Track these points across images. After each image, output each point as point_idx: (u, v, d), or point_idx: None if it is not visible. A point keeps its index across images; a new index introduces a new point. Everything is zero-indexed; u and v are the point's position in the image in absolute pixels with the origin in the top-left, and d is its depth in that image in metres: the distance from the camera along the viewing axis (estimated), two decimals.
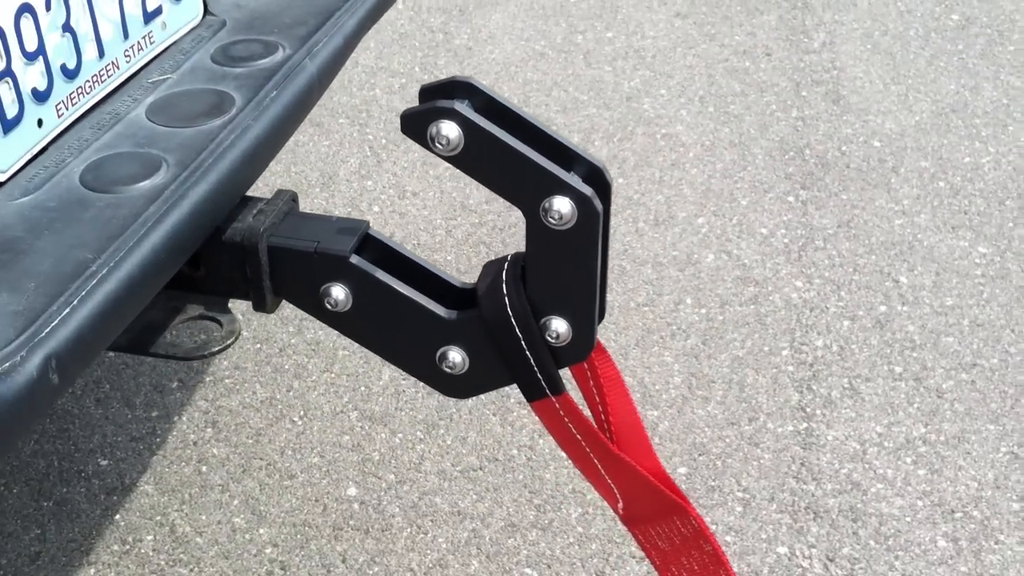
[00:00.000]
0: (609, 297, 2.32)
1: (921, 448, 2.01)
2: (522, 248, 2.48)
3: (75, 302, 1.00)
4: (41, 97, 1.21)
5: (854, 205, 2.66)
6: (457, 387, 1.26)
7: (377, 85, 3.16)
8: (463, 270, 2.46)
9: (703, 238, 2.55)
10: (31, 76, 1.19)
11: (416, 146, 2.83)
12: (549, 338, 1.19)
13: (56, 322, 0.98)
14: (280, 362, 2.22)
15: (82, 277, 1.03)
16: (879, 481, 1.94)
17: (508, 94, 3.09)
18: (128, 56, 1.34)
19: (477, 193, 2.68)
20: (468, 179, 2.67)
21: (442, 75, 3.22)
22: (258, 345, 2.26)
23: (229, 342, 1.27)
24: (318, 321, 2.39)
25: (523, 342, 1.19)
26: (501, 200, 2.61)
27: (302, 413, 2.10)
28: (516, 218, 2.59)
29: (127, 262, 1.05)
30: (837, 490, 1.93)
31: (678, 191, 2.71)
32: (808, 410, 2.09)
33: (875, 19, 3.51)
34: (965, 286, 2.40)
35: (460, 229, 2.58)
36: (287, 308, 2.28)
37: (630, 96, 3.11)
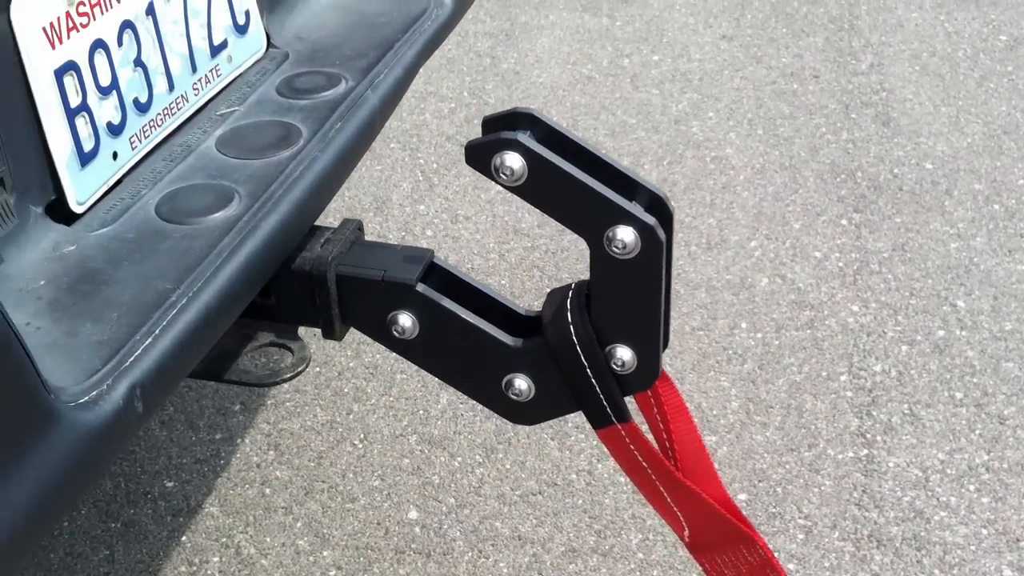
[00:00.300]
0: None
1: (984, 475, 1.99)
2: (575, 273, 2.50)
3: (157, 331, 1.03)
4: (115, 131, 1.24)
5: (908, 228, 2.64)
6: (523, 414, 1.28)
7: (427, 110, 3.20)
8: (517, 294, 2.47)
9: (756, 262, 2.54)
10: (105, 110, 1.23)
11: (468, 170, 2.85)
12: (614, 366, 1.20)
13: (140, 351, 1.01)
14: (339, 385, 2.24)
15: (163, 307, 1.05)
16: (942, 509, 1.92)
17: (556, 118, 3.11)
18: (196, 89, 1.37)
19: (529, 217, 2.69)
20: (520, 203, 2.69)
21: (490, 99, 3.25)
22: (317, 369, 2.28)
23: (300, 368, 1.29)
24: (376, 345, 2.40)
25: (588, 370, 1.20)
26: (553, 224, 2.62)
27: (362, 436, 2.12)
28: (568, 242, 2.59)
29: (205, 292, 1.08)
30: (900, 518, 1.91)
31: (730, 214, 2.71)
32: (868, 436, 2.08)
33: (923, 40, 3.49)
34: None
35: (513, 253, 2.59)
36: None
37: (678, 119, 3.11)
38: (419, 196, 2.81)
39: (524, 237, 2.64)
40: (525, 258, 2.57)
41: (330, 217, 2.63)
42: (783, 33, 3.56)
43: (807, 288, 2.45)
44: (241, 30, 1.44)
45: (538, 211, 2.65)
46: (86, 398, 0.96)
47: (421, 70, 3.59)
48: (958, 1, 3.73)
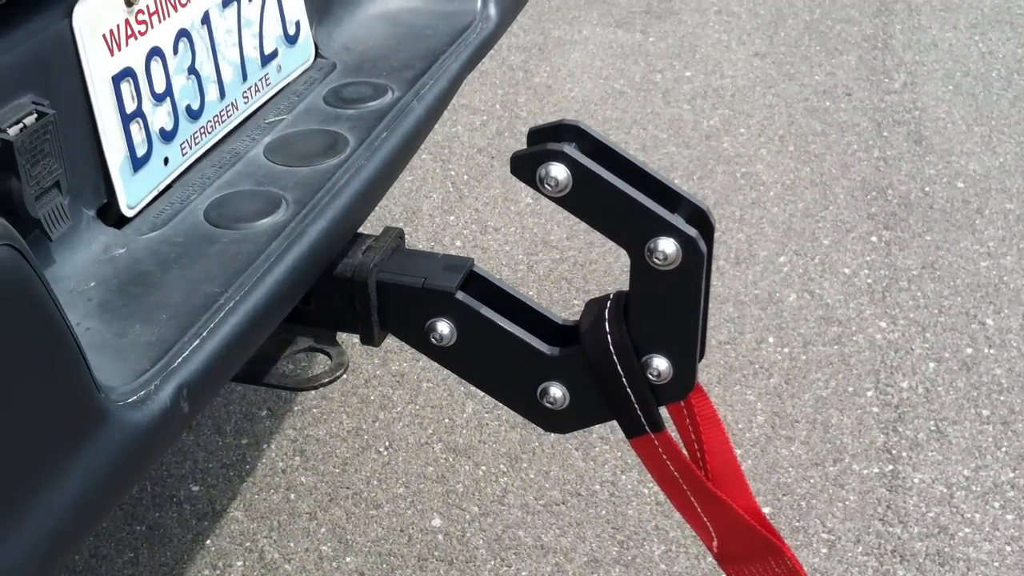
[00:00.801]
0: None
1: (1009, 493, 1.99)
2: (603, 285, 2.52)
3: (204, 334, 1.05)
4: (168, 137, 1.27)
5: (938, 246, 2.65)
6: (557, 422, 1.29)
7: (459, 122, 3.22)
8: (545, 306, 2.49)
9: (785, 277, 2.55)
10: (159, 117, 1.26)
11: (498, 182, 2.88)
12: (650, 376, 1.22)
13: (187, 353, 1.03)
14: (366, 393, 2.27)
15: (211, 310, 1.08)
16: (967, 525, 1.93)
17: None
18: (246, 97, 1.40)
19: (558, 229, 2.71)
20: (549, 215, 2.71)
21: (522, 112, 3.27)
22: (344, 376, 2.31)
23: (338, 373, 1.31)
24: (403, 353, 2.42)
25: (624, 379, 1.22)
26: (582, 236, 2.64)
27: (387, 444, 2.14)
28: (597, 254, 2.61)
29: (252, 296, 1.10)
30: (924, 533, 1.92)
31: (759, 230, 2.72)
32: (894, 452, 2.08)
33: (956, 60, 3.49)
34: None
35: (541, 265, 2.61)
36: None
37: (709, 135, 3.13)
38: (449, 207, 2.84)
39: (553, 249, 2.66)
40: (553, 270, 2.59)
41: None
42: (816, 51, 3.57)
43: (835, 304, 2.46)
44: (291, 40, 1.47)
45: (567, 224, 2.68)
46: (135, 397, 0.99)
47: None
48: (993, 22, 3.74)
